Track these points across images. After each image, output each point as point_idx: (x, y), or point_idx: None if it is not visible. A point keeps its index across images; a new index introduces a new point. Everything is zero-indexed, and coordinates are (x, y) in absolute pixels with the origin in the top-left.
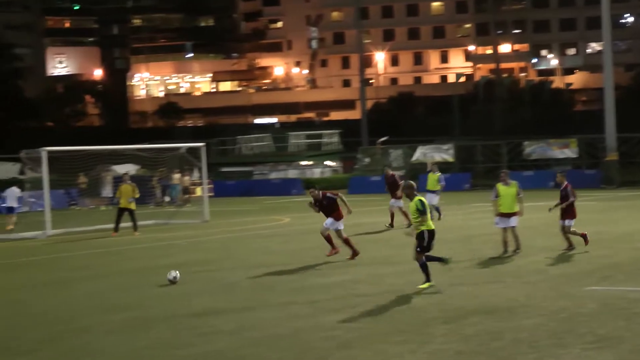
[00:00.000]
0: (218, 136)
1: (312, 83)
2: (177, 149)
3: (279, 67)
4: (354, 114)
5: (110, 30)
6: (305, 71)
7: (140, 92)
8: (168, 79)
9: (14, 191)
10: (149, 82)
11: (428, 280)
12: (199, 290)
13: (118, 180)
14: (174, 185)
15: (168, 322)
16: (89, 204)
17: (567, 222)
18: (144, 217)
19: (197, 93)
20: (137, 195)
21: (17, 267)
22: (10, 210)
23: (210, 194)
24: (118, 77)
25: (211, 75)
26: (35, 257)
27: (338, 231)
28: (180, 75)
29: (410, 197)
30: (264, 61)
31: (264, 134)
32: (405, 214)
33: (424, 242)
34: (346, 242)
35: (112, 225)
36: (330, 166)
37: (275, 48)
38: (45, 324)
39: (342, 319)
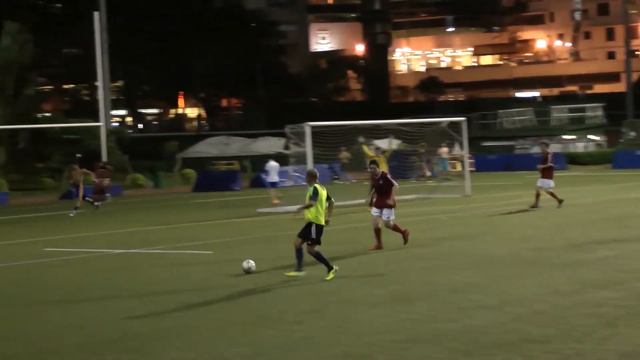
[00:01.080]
0: (479, 110)
1: (575, 55)
2: (438, 123)
3: (541, 40)
4: (619, 87)
5: (372, 6)
6: (568, 44)
7: (401, 67)
8: (429, 54)
9: (273, 165)
10: (410, 56)
11: (299, 270)
12: (460, 264)
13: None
14: (442, 160)
15: (429, 296)
16: (351, 179)
17: None
18: (405, 191)
19: (458, 67)
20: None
21: (283, 240)
22: (274, 184)
23: (472, 169)
24: (379, 52)
25: (472, 49)
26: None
27: (387, 221)
28: (441, 49)
29: (310, 184)
30: (525, 34)
31: (525, 107)
32: (552, 195)
33: (320, 235)
34: (395, 229)
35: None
36: (593, 140)
37: (537, 20)
38: (310, 295)
39: (607, 296)
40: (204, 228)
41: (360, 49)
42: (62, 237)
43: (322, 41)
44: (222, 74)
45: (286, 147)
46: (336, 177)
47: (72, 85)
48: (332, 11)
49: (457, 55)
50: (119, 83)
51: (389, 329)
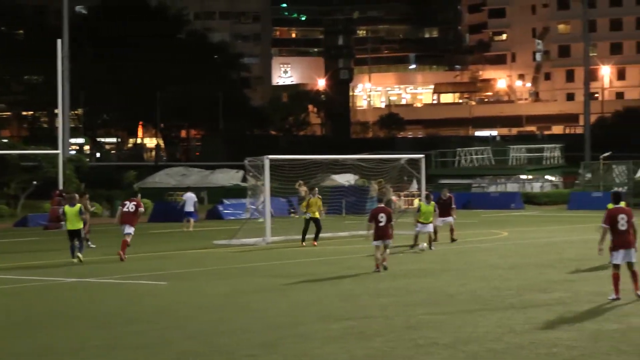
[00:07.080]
0: (438, 148)
1: (535, 96)
2: (397, 159)
3: (501, 80)
4: (577, 129)
5: (336, 41)
6: (529, 84)
7: (362, 103)
8: (390, 90)
9: (190, 196)
10: (371, 92)
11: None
12: (416, 301)
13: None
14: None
15: (385, 332)
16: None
17: None
18: (361, 227)
19: (418, 104)
20: (322, 209)
21: (239, 272)
22: (189, 214)
23: None
24: (341, 88)
25: (433, 86)
26: (255, 264)
27: (128, 234)
28: (403, 86)
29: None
30: (486, 73)
31: (484, 146)
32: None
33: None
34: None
35: (331, 234)
36: (550, 181)
37: (499, 60)
38: (265, 329)
39: (561, 336)
40: (159, 259)
41: (322, 83)
42: (15, 265)
43: (284, 75)
44: (183, 105)
45: (244, 180)
46: (293, 210)
47: (31, 112)
48: (295, 45)
49: (418, 92)
50: (79, 111)
51: None
